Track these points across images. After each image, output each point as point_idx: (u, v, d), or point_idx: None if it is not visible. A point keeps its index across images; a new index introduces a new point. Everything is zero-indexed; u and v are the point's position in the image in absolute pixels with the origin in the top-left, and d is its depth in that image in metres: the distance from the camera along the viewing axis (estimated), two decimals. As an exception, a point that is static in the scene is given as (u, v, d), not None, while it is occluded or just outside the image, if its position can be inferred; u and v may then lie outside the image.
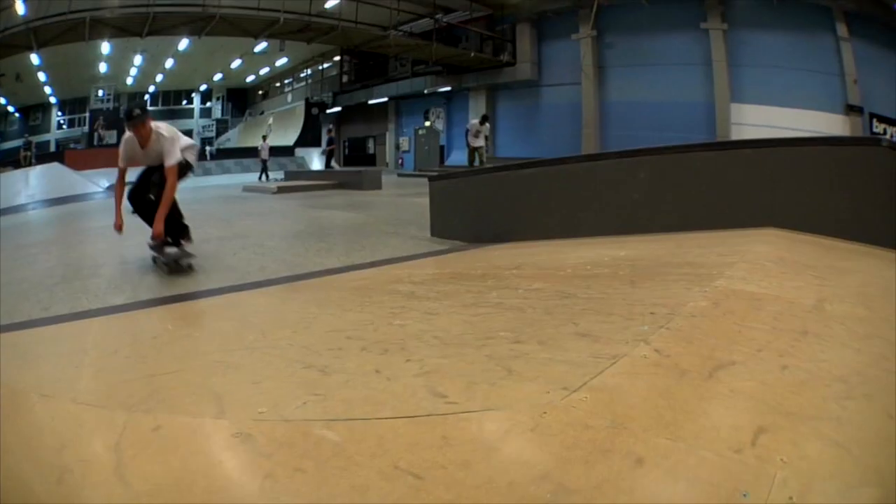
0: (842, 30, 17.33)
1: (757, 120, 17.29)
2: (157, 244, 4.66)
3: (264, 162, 21.17)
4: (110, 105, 33.56)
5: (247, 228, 6.84)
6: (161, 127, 4.66)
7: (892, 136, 16.68)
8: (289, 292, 3.47)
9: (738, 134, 17.12)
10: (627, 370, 1.32)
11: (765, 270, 2.51)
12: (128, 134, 4.61)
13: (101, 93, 33.19)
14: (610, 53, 20.88)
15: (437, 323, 2.09)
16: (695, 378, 1.29)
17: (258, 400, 1.41)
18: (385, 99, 27.44)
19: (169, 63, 31.20)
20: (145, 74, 32.57)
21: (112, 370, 1.89)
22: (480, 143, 14.62)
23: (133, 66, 30.81)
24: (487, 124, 15.01)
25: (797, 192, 4.11)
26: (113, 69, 29.99)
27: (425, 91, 25.29)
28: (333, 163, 24.15)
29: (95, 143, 31.57)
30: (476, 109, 23.37)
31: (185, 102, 39.13)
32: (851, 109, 17.04)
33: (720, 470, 0.90)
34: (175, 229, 4.82)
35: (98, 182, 15.81)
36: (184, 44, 26.16)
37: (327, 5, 19.96)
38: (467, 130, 15.01)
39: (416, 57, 23.17)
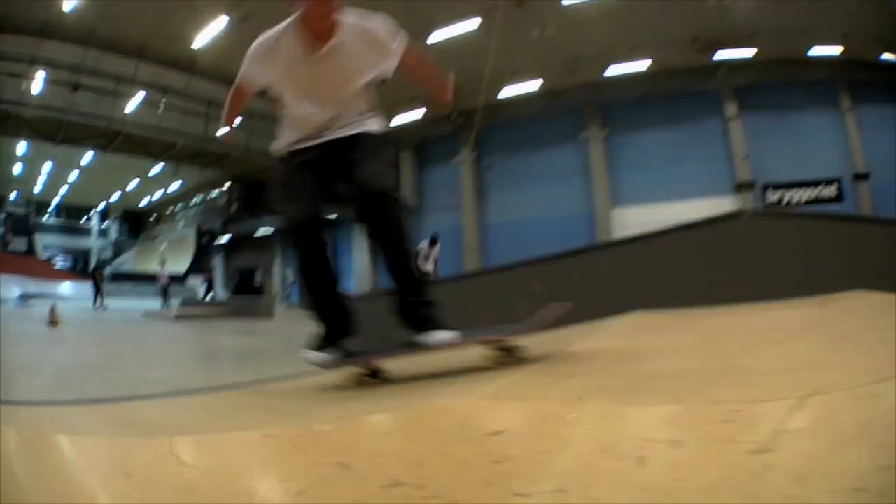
0: (730, 109, 18.61)
1: (640, 220, 17.66)
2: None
3: (165, 288, 20.98)
4: (22, 210, 32.12)
5: (158, 350, 7.16)
6: (352, 15, 2.52)
7: (788, 201, 18.22)
8: (213, 400, 3.78)
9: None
10: (507, 379, 2.10)
11: (613, 336, 3.34)
12: (284, 25, 2.50)
13: (13, 195, 31.86)
14: (491, 174, 21.90)
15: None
16: (546, 382, 2.06)
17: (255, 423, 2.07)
18: (272, 229, 27.65)
19: (73, 175, 31.03)
20: (53, 183, 31.88)
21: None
22: (430, 267, 14.04)
23: (41, 173, 30.41)
24: (438, 245, 14.47)
25: (666, 276, 4.75)
26: (26, 171, 29.63)
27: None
28: (217, 290, 24.15)
29: (3, 248, 30.00)
30: (361, 238, 23.89)
31: (84, 220, 38.22)
32: (741, 187, 18.29)
33: (557, 407, 1.66)
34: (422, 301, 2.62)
35: (9, 289, 15.25)
36: (87, 157, 26.16)
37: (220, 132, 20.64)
38: (416, 253, 14.00)
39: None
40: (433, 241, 14.34)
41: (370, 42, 2.53)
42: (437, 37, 16.99)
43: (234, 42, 16.85)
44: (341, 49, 2.47)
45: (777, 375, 1.67)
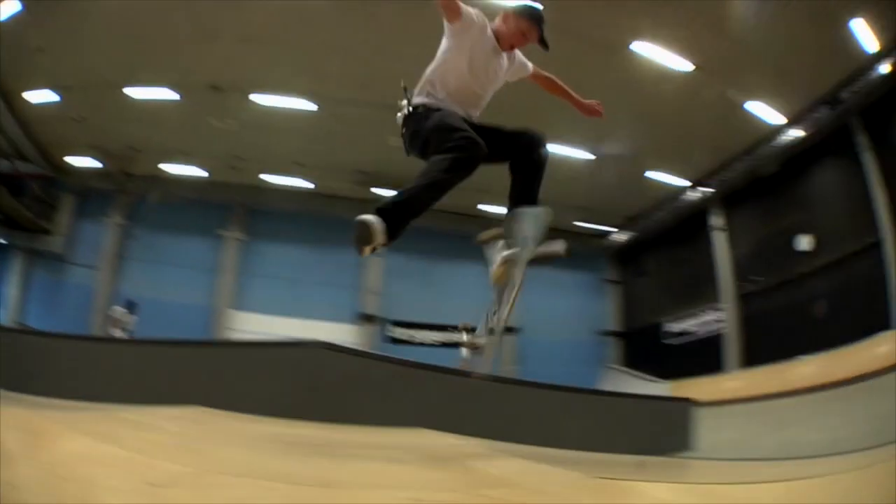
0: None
1: (258, 328, 17.96)
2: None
3: None
4: None
5: None
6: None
7: (411, 339, 19.65)
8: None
9: (232, 340, 17.56)
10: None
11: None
12: (487, 23, 3.52)
13: None
14: (134, 245, 20.90)
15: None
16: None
17: None
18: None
19: None
20: None
21: None
22: (118, 334, 12.89)
23: None
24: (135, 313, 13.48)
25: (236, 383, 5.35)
26: None
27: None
28: None
29: None
30: (13, 270, 21.04)
31: None
32: (366, 318, 19.12)
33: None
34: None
35: None
36: None
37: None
38: (108, 317, 13.57)
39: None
40: (130, 308, 13.65)
41: (519, 63, 3.73)
42: (132, 93, 16.39)
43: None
44: (509, 62, 3.62)
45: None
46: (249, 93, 16.16)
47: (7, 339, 6.66)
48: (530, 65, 3.81)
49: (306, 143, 17.82)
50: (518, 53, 3.69)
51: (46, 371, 5.59)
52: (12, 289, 20.93)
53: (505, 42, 3.49)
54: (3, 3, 13.45)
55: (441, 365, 6.76)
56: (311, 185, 20.15)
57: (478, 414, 5.80)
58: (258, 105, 16.47)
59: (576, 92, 3.98)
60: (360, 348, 14.57)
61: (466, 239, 17.79)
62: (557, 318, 21.15)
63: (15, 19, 13.68)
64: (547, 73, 3.95)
